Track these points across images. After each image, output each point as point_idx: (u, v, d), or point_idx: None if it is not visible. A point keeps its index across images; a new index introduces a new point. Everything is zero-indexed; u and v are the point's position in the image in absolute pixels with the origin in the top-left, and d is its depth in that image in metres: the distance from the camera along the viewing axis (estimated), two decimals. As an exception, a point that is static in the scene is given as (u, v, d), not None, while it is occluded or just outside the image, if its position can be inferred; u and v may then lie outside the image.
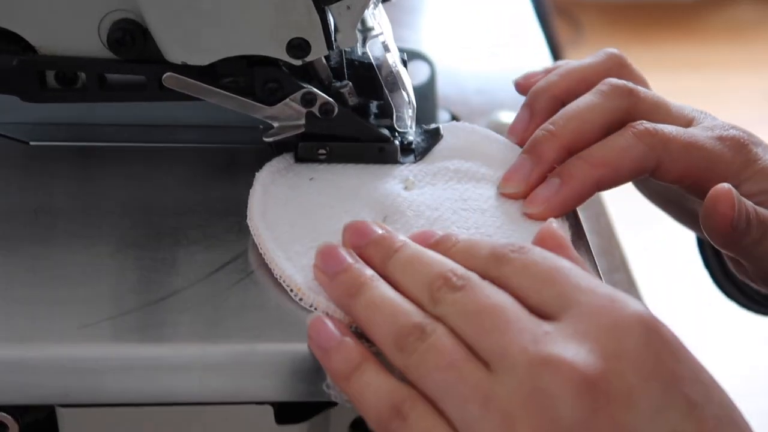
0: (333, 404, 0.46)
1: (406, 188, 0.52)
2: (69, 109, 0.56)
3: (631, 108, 0.53)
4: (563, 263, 0.42)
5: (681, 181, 0.52)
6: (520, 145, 0.54)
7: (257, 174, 0.52)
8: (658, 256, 2.04)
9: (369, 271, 0.44)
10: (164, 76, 0.51)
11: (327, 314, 0.44)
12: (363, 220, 0.48)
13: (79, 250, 0.48)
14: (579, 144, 0.51)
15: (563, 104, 0.54)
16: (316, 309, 0.45)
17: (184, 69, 0.51)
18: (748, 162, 0.53)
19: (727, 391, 0.40)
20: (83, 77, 0.52)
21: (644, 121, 0.52)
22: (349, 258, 0.45)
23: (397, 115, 0.54)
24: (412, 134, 0.55)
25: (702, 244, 0.68)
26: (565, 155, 0.51)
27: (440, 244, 0.45)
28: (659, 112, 0.53)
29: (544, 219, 0.50)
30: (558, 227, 0.46)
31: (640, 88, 0.54)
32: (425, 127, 0.56)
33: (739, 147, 0.53)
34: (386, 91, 0.54)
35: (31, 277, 0.46)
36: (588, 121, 0.52)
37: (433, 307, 0.42)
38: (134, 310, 0.44)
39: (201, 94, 0.51)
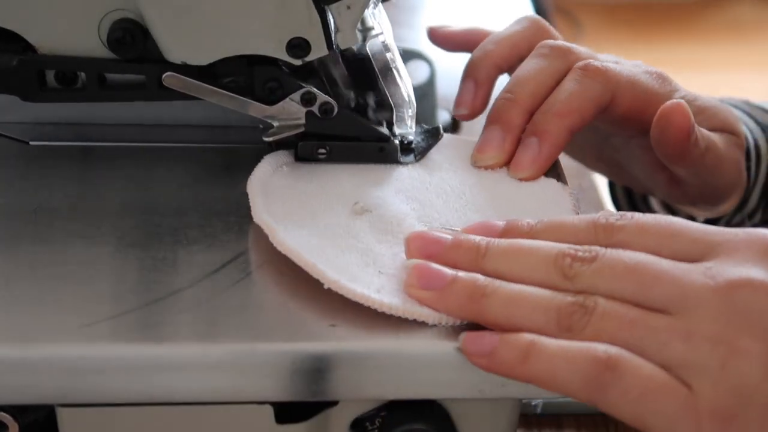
0: (333, 404, 0.46)
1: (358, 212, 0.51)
2: (69, 108, 0.56)
3: (572, 65, 0.55)
4: (674, 218, 0.43)
5: (626, 115, 0.55)
6: (468, 116, 0.58)
7: (257, 166, 0.52)
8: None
9: (481, 276, 0.43)
10: (164, 75, 0.51)
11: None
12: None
13: (79, 250, 0.48)
14: (538, 106, 0.54)
15: (500, 71, 0.58)
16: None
17: (184, 69, 0.51)
18: (672, 91, 0.57)
19: None
20: (83, 77, 0.52)
21: (588, 60, 0.54)
22: (448, 270, 0.44)
23: (397, 115, 0.54)
24: (412, 134, 0.55)
25: (613, 188, 0.73)
26: (529, 118, 0.53)
27: (512, 231, 0.45)
28: None
29: (535, 179, 0.52)
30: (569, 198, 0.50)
31: (573, 45, 0.57)
32: (425, 126, 0.56)
33: (663, 79, 0.57)
34: (381, 82, 0.53)
35: (31, 277, 0.46)
36: (542, 84, 0.54)
37: (571, 285, 0.41)
38: (134, 310, 0.44)
39: (201, 93, 0.51)
